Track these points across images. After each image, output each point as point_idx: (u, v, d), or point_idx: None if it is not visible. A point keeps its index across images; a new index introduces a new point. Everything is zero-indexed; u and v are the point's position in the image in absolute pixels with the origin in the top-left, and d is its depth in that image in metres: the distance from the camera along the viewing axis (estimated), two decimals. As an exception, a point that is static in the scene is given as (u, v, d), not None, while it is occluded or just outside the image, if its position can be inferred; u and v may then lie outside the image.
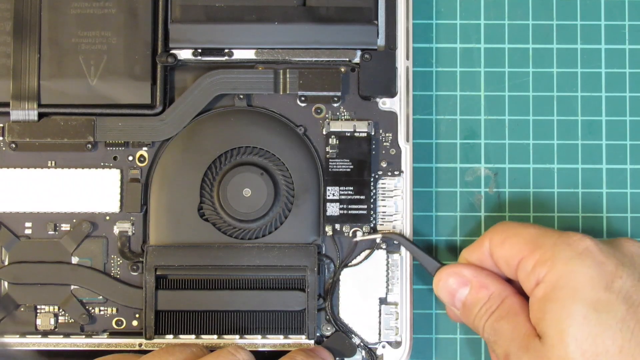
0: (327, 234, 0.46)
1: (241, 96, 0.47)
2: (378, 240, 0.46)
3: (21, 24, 0.46)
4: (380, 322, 0.46)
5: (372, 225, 0.46)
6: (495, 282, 0.42)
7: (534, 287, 0.40)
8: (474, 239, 0.48)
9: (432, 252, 0.48)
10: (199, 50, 0.47)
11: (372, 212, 0.46)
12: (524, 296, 0.41)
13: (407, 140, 0.47)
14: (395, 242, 0.46)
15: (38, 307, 0.46)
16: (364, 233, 0.46)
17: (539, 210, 0.49)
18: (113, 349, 0.45)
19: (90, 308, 0.46)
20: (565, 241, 0.39)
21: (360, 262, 0.46)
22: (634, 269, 0.39)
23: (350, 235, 0.46)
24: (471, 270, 0.43)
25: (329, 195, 0.46)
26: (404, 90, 0.47)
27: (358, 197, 0.46)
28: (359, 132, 0.47)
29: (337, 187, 0.46)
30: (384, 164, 0.47)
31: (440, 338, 0.48)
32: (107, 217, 0.46)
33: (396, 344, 0.46)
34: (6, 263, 0.46)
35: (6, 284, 0.46)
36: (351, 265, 0.46)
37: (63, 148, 0.46)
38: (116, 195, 0.46)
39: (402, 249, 0.46)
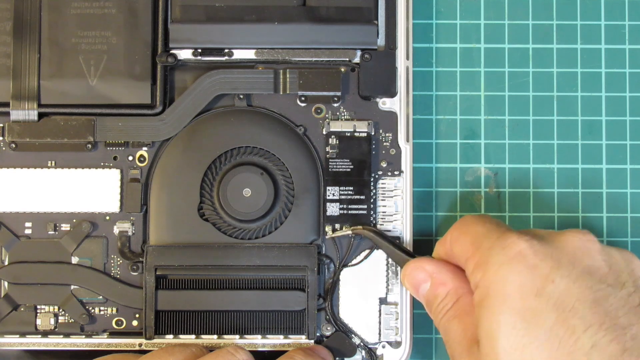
0: (326, 237, 0.46)
1: (241, 96, 0.47)
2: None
3: (21, 24, 0.46)
4: (380, 322, 0.46)
5: (371, 225, 0.46)
6: (455, 279, 0.41)
7: (474, 289, 0.39)
8: (474, 239, 0.48)
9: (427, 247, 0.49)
10: (199, 50, 0.47)
11: (372, 212, 0.46)
12: None
13: (407, 140, 0.47)
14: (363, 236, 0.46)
15: (38, 307, 0.46)
16: (333, 230, 0.46)
17: (539, 210, 0.49)
18: (113, 349, 0.45)
19: (90, 308, 0.46)
20: (500, 244, 0.38)
21: (360, 261, 0.46)
22: (571, 268, 0.37)
23: (350, 235, 0.46)
24: (433, 266, 0.42)
25: (329, 195, 0.46)
26: (404, 90, 0.47)
27: (358, 197, 0.46)
28: (359, 132, 0.47)
29: (337, 187, 0.46)
30: (384, 164, 0.47)
31: (440, 338, 0.48)
32: (107, 217, 0.46)
33: (396, 344, 0.46)
34: (6, 263, 0.46)
35: (6, 284, 0.46)
36: (351, 265, 0.46)
37: (63, 148, 0.46)
38: (116, 195, 0.46)
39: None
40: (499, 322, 0.36)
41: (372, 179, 0.46)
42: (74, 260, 0.46)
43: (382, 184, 0.47)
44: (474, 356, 0.38)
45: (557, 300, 0.36)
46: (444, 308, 0.41)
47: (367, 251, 0.46)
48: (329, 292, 0.46)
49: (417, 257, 0.43)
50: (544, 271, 0.36)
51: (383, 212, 0.46)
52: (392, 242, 0.45)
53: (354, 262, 0.46)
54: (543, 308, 0.36)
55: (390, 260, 0.46)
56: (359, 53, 0.47)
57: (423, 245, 0.48)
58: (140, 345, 0.46)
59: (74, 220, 0.46)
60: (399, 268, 0.46)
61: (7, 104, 0.46)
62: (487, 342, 0.37)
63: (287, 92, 0.47)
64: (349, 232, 0.46)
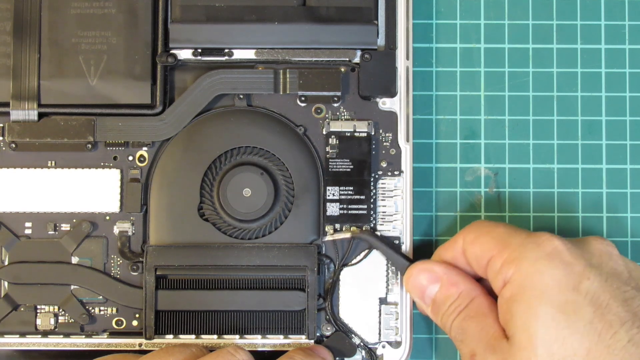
0: (325, 240, 0.46)
1: (241, 96, 0.47)
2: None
3: (21, 24, 0.46)
4: (380, 322, 0.46)
5: (372, 225, 0.46)
6: (466, 280, 0.42)
7: (501, 287, 0.39)
8: (474, 239, 0.48)
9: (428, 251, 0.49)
10: (199, 50, 0.47)
11: (372, 212, 0.46)
12: (494, 297, 0.41)
13: (407, 140, 0.47)
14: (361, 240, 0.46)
15: (38, 307, 0.46)
16: (333, 232, 0.46)
17: (539, 210, 0.49)
18: (113, 349, 0.45)
19: (90, 308, 0.46)
20: (533, 241, 0.39)
21: (360, 261, 0.46)
22: (601, 269, 0.38)
23: (350, 237, 0.46)
24: (442, 268, 0.42)
25: (329, 195, 0.46)
26: (404, 90, 0.47)
27: (358, 197, 0.46)
28: (359, 132, 0.47)
29: (337, 187, 0.46)
30: (384, 164, 0.47)
31: (440, 338, 0.48)
32: (107, 217, 0.46)
33: (396, 344, 0.46)
34: (6, 263, 0.46)
35: (6, 284, 0.46)
36: (350, 265, 0.46)
37: (63, 148, 0.46)
38: (116, 195, 0.46)
39: (402, 248, 0.46)
40: (537, 314, 0.37)
41: (372, 179, 0.46)
42: (74, 260, 0.46)
43: (382, 184, 0.47)
44: (501, 351, 0.38)
45: (593, 296, 0.37)
46: (457, 308, 0.41)
47: (366, 251, 0.46)
48: (329, 292, 0.46)
49: (422, 260, 0.44)
50: (578, 268, 0.38)
51: (383, 212, 0.46)
52: (391, 246, 0.45)
53: (353, 261, 0.46)
54: (581, 302, 0.37)
55: (390, 260, 0.46)
56: (359, 53, 0.47)
57: (423, 245, 0.48)
58: (140, 345, 0.46)
59: (74, 220, 0.46)
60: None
61: (7, 104, 0.46)
62: (524, 335, 0.37)
63: (287, 92, 0.47)
64: (348, 234, 0.46)
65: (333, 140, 0.47)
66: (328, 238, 0.46)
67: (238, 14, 0.47)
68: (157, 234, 0.46)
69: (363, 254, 0.46)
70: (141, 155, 0.47)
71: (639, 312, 0.37)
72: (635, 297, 0.38)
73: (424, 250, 0.48)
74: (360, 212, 0.46)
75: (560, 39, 0.50)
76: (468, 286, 0.42)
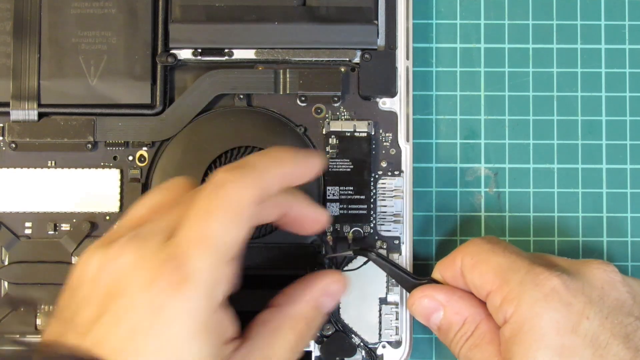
0: (325, 258, 0.46)
1: (241, 96, 0.47)
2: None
3: (21, 24, 0.46)
4: (380, 322, 0.46)
5: (371, 225, 0.46)
6: (469, 305, 0.41)
7: (502, 323, 0.39)
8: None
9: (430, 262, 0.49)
10: (199, 50, 0.47)
11: (372, 212, 0.46)
12: None
13: (407, 140, 0.47)
14: (368, 257, 0.45)
15: (38, 307, 0.46)
16: (337, 250, 0.46)
17: (539, 211, 0.49)
18: (113, 349, 0.45)
19: (90, 308, 0.46)
20: (532, 280, 0.38)
21: (359, 267, 0.46)
22: (602, 304, 0.38)
23: (351, 235, 0.46)
24: (444, 294, 0.42)
25: (329, 195, 0.46)
26: (404, 90, 0.47)
27: (358, 197, 0.46)
28: (359, 132, 0.47)
29: (337, 187, 0.46)
30: (384, 164, 0.47)
31: (440, 338, 0.48)
32: (107, 217, 0.46)
33: (396, 344, 0.46)
34: (6, 263, 0.46)
35: (6, 284, 0.46)
36: (348, 270, 0.46)
37: (63, 148, 0.46)
38: (116, 195, 0.46)
39: (402, 248, 0.46)
40: (535, 358, 0.37)
41: (372, 179, 0.46)
42: (74, 260, 0.46)
43: (382, 184, 0.47)
44: None
45: (592, 336, 0.36)
46: (463, 337, 0.41)
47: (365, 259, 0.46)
48: (329, 292, 0.46)
49: (425, 285, 0.43)
50: (578, 307, 0.37)
51: (383, 212, 0.46)
52: (396, 265, 0.45)
53: (352, 267, 0.46)
54: (579, 345, 0.36)
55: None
56: (359, 53, 0.47)
57: (423, 246, 0.48)
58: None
59: (74, 220, 0.46)
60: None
61: (7, 104, 0.46)
62: None
63: (287, 92, 0.47)
64: (350, 252, 0.45)
65: (333, 140, 0.47)
66: (328, 255, 0.45)
67: (238, 14, 0.47)
68: (157, 234, 0.46)
69: (363, 260, 0.46)
70: (141, 155, 0.47)
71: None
72: (638, 329, 0.37)
73: (424, 250, 0.48)
74: (360, 212, 0.46)
75: (560, 39, 0.50)
76: (472, 312, 0.41)
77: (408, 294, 0.44)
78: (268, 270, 0.46)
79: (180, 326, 0.33)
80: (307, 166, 0.39)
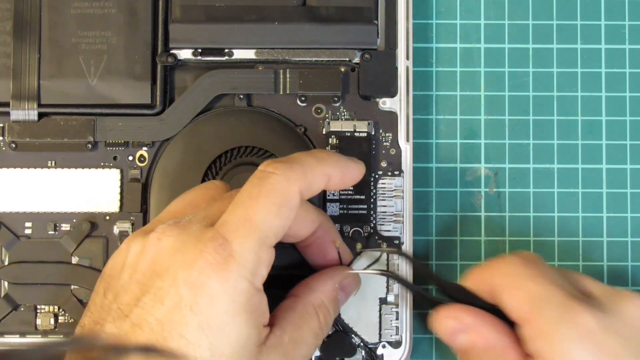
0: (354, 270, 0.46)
1: (241, 96, 0.47)
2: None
3: (21, 24, 0.46)
4: (380, 322, 0.46)
5: (372, 225, 0.46)
6: (496, 331, 0.40)
7: (532, 355, 0.38)
8: (473, 239, 0.48)
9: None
10: (199, 50, 0.47)
11: (372, 212, 0.46)
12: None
13: (407, 140, 0.47)
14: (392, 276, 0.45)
15: (38, 307, 0.46)
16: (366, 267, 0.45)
17: (539, 211, 0.49)
18: (113, 349, 0.45)
19: (90, 308, 0.46)
20: (568, 317, 0.37)
21: (368, 266, 0.45)
22: (637, 344, 0.37)
23: (350, 235, 0.46)
24: (471, 317, 0.40)
25: (329, 195, 0.46)
26: (404, 90, 0.47)
27: (358, 197, 0.46)
28: (359, 132, 0.47)
29: (337, 187, 0.46)
30: (384, 164, 0.47)
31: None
32: (107, 217, 0.46)
33: (396, 344, 0.46)
34: (6, 263, 0.46)
35: (6, 284, 0.46)
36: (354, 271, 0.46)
37: (63, 148, 0.46)
38: (116, 195, 0.46)
39: (402, 248, 0.46)
40: None
41: (372, 179, 0.46)
42: (74, 260, 0.46)
43: (382, 184, 0.47)
44: None
45: None
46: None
47: (367, 251, 0.46)
48: (329, 292, 0.46)
49: (452, 305, 0.42)
50: (611, 349, 0.36)
51: (383, 212, 0.46)
52: (420, 290, 0.44)
53: (355, 269, 0.46)
54: None
55: (390, 260, 0.46)
56: (359, 53, 0.47)
57: (423, 246, 0.48)
58: (140, 345, 0.45)
59: (74, 220, 0.46)
60: (398, 269, 0.45)
61: (7, 104, 0.46)
62: None
63: (287, 92, 0.47)
64: (376, 272, 0.45)
65: (333, 140, 0.47)
66: (359, 271, 0.45)
67: (238, 14, 0.47)
68: (157, 234, 0.46)
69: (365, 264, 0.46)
70: (141, 155, 0.47)
71: None
72: None
73: (424, 250, 0.48)
74: (360, 212, 0.46)
75: (560, 39, 0.50)
76: (498, 337, 0.40)
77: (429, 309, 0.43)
78: (278, 270, 0.46)
79: (223, 303, 0.34)
80: (349, 171, 0.40)
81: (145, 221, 0.46)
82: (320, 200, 0.46)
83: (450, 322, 0.40)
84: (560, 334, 0.37)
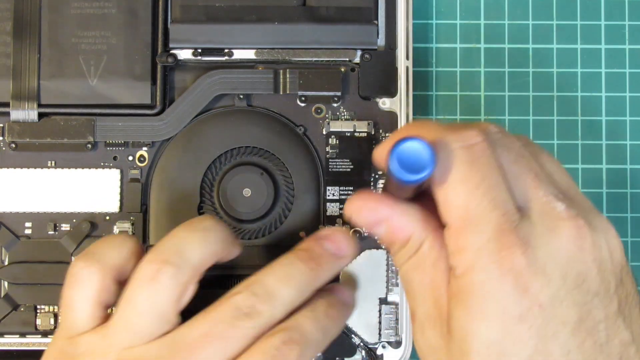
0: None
1: (241, 96, 0.47)
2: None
3: (21, 24, 0.46)
4: (380, 322, 0.46)
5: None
6: (415, 221, 0.36)
7: (451, 266, 0.34)
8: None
9: None
10: (199, 50, 0.47)
11: (372, 212, 0.46)
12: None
13: (407, 140, 0.47)
14: None
15: (38, 307, 0.46)
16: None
17: (539, 210, 0.49)
18: (113, 349, 0.45)
19: (90, 308, 0.46)
20: (493, 252, 0.33)
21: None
22: (562, 283, 0.33)
23: (350, 235, 0.46)
24: (387, 208, 0.36)
25: (329, 195, 0.46)
26: (404, 91, 0.47)
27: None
28: (359, 132, 0.47)
29: (337, 187, 0.46)
30: (384, 164, 0.47)
31: (440, 338, 0.48)
32: (107, 217, 0.46)
33: (396, 344, 0.46)
34: (6, 263, 0.46)
35: (6, 284, 0.46)
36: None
37: (63, 148, 0.46)
38: (116, 195, 0.46)
39: None
40: (473, 336, 0.33)
41: (372, 179, 0.46)
42: (74, 260, 0.46)
43: (382, 184, 0.47)
44: (442, 334, 0.35)
45: (540, 325, 0.33)
46: (404, 256, 0.36)
47: (367, 251, 0.46)
48: (329, 292, 0.46)
49: (364, 192, 0.37)
50: (532, 293, 0.33)
51: (383, 212, 0.46)
52: None
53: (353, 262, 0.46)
54: (524, 335, 0.33)
55: (390, 260, 0.46)
56: (359, 53, 0.47)
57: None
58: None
59: (74, 220, 0.46)
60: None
61: (7, 104, 0.46)
62: (458, 348, 0.34)
63: (287, 92, 0.47)
64: None
65: (333, 140, 0.47)
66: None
67: (238, 14, 0.47)
68: (157, 234, 0.46)
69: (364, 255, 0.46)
70: (141, 155, 0.47)
71: (593, 327, 0.33)
72: (594, 308, 0.33)
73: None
74: (360, 212, 0.46)
75: (560, 39, 0.50)
76: (417, 228, 0.35)
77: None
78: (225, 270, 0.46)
79: None
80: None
81: (145, 221, 0.46)
82: (321, 200, 0.46)
83: (364, 213, 0.36)
84: (482, 267, 0.33)
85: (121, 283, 0.39)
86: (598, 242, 0.34)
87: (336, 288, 0.41)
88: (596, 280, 0.34)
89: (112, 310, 0.39)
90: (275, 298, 0.38)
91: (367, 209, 0.36)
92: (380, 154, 0.37)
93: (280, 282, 0.38)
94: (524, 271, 0.33)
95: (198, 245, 0.38)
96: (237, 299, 0.38)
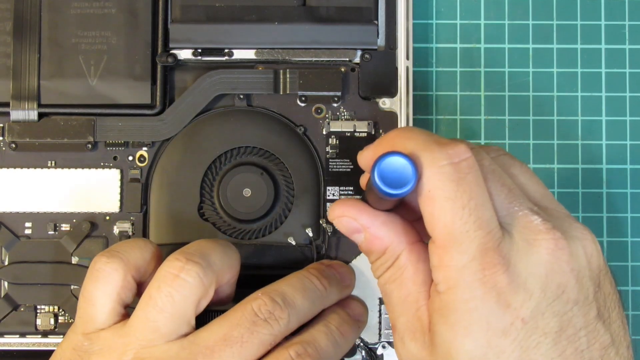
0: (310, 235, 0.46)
1: (241, 96, 0.47)
2: None
3: (21, 24, 0.46)
4: (380, 322, 0.46)
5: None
6: (393, 232, 0.36)
7: (435, 283, 0.35)
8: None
9: None
10: (199, 50, 0.47)
11: (372, 212, 0.46)
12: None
13: (407, 140, 0.47)
14: None
15: (38, 307, 0.46)
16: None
17: (539, 210, 0.49)
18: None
19: (90, 308, 0.46)
20: (477, 270, 0.33)
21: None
22: (542, 296, 0.33)
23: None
24: (366, 217, 0.36)
25: (329, 195, 0.46)
26: (404, 90, 0.47)
27: (358, 197, 0.46)
28: (359, 132, 0.47)
29: (337, 187, 0.46)
30: (384, 164, 0.47)
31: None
32: (107, 217, 0.46)
33: (396, 344, 0.46)
34: (6, 263, 0.46)
35: (6, 284, 0.46)
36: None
37: (63, 148, 0.46)
38: (116, 195, 0.46)
39: None
40: (458, 350, 0.34)
41: (372, 179, 0.46)
42: (74, 260, 0.46)
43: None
44: (424, 347, 0.35)
45: (522, 338, 0.33)
46: (381, 267, 0.36)
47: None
48: (329, 292, 0.46)
49: (346, 200, 0.37)
50: (515, 307, 0.33)
51: (383, 212, 0.46)
52: None
53: (354, 261, 0.46)
54: (507, 348, 0.33)
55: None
56: (359, 53, 0.47)
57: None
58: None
59: (74, 220, 0.46)
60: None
61: (7, 104, 0.46)
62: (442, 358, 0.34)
63: (287, 92, 0.47)
64: None
65: (333, 140, 0.47)
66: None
67: (238, 14, 0.47)
68: (157, 234, 0.46)
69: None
70: (141, 155, 0.47)
71: (573, 335, 0.34)
72: (574, 316, 0.34)
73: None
74: (360, 212, 0.46)
75: (560, 39, 0.50)
76: (395, 240, 0.36)
77: None
78: (267, 270, 0.46)
79: None
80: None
81: (145, 221, 0.46)
82: (321, 200, 0.46)
83: (345, 220, 0.37)
84: (466, 285, 0.33)
85: (140, 285, 0.40)
86: (575, 252, 0.34)
87: (348, 304, 0.43)
88: (575, 289, 0.34)
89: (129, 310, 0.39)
90: (292, 307, 0.39)
91: (347, 216, 0.37)
92: (364, 159, 0.38)
93: (297, 292, 0.39)
94: (505, 288, 0.33)
95: (220, 253, 0.40)
96: (255, 304, 0.38)
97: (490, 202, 0.34)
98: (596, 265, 0.35)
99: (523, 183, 0.37)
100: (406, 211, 0.37)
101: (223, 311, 0.39)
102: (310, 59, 0.47)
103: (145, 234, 0.46)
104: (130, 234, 0.46)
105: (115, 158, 0.47)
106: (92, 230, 0.46)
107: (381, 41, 0.47)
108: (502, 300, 0.33)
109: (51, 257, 0.46)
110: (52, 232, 0.46)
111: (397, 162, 0.33)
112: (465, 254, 0.33)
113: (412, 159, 0.33)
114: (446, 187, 0.33)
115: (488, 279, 0.33)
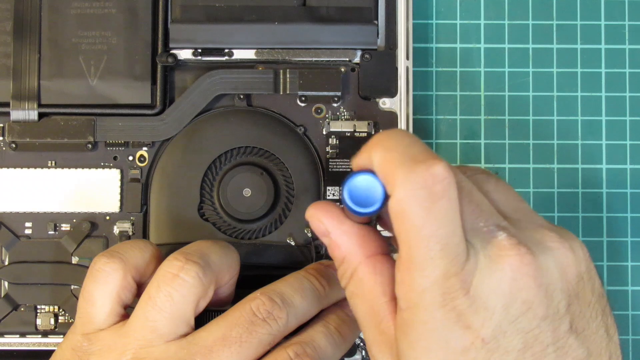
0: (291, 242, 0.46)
1: (241, 96, 0.47)
2: None
3: (21, 24, 0.46)
4: (380, 322, 0.46)
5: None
6: (353, 245, 0.35)
7: (398, 298, 0.34)
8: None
9: None
10: (199, 50, 0.47)
11: (372, 212, 0.46)
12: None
13: (407, 140, 0.47)
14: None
15: (38, 307, 0.46)
16: None
17: (539, 210, 0.49)
18: (113, 349, 0.45)
19: (90, 308, 0.46)
20: (438, 295, 0.32)
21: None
22: (505, 314, 0.32)
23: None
24: (331, 223, 0.35)
25: (329, 195, 0.46)
26: (404, 90, 0.47)
27: (358, 197, 0.46)
28: (359, 132, 0.47)
29: (337, 187, 0.46)
30: (384, 164, 0.47)
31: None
32: (107, 217, 0.46)
33: (396, 344, 0.46)
34: (6, 263, 0.46)
35: (6, 284, 0.46)
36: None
37: (63, 148, 0.46)
38: (116, 195, 0.46)
39: None
40: None
41: (372, 179, 0.46)
42: (74, 260, 0.46)
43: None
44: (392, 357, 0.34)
45: (483, 357, 0.32)
46: (343, 277, 0.36)
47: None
48: (329, 292, 0.46)
49: (322, 203, 0.36)
50: (475, 328, 0.32)
51: (383, 212, 0.46)
52: None
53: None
54: None
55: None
56: (359, 53, 0.47)
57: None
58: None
59: (74, 220, 0.46)
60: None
61: (7, 104, 0.46)
62: None
63: (287, 92, 0.47)
64: None
65: (333, 140, 0.47)
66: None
67: (238, 14, 0.47)
68: (157, 234, 0.46)
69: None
70: (141, 155, 0.47)
71: (540, 352, 0.33)
72: (541, 332, 0.33)
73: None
74: (360, 212, 0.46)
75: (560, 39, 0.50)
76: (353, 252, 0.35)
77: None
78: (267, 270, 0.46)
79: None
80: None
81: (145, 221, 0.46)
82: (321, 200, 0.46)
83: (314, 222, 0.36)
84: (426, 307, 0.32)
85: (140, 285, 0.40)
86: (545, 265, 0.33)
87: (348, 304, 0.42)
88: (543, 305, 0.33)
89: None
90: (291, 306, 0.39)
91: (316, 219, 0.36)
92: (357, 164, 0.36)
93: (296, 293, 0.39)
94: (466, 310, 0.32)
95: (219, 254, 0.40)
96: (254, 304, 0.38)
97: (460, 226, 0.33)
98: (573, 274, 0.34)
99: (495, 199, 0.35)
100: (384, 223, 0.36)
101: (222, 311, 0.39)
102: (310, 59, 0.47)
103: (145, 234, 0.46)
104: (131, 234, 0.46)
105: (115, 158, 0.47)
106: (92, 230, 0.46)
107: (381, 41, 0.47)
108: (462, 322, 0.32)
109: (51, 257, 0.46)
110: (52, 232, 0.46)
111: (367, 181, 0.32)
112: (427, 279, 0.32)
113: (383, 178, 0.32)
114: (415, 213, 0.32)
115: (448, 302, 0.32)
